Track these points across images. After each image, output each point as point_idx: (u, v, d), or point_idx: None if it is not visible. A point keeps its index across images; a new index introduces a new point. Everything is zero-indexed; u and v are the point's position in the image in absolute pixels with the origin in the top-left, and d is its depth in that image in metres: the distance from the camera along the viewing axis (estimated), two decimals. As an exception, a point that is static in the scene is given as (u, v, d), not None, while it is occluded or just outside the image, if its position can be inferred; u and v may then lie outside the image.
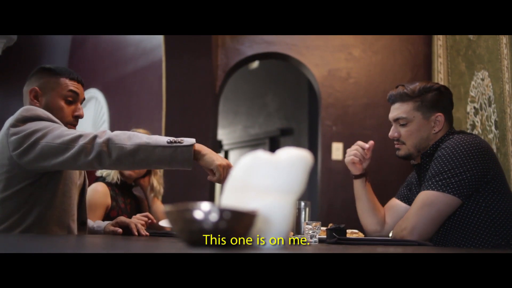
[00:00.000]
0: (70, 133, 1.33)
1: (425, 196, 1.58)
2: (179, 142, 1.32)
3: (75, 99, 1.58)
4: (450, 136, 1.68)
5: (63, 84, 1.55)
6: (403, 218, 1.63)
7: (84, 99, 1.63)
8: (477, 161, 1.56)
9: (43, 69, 1.58)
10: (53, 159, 1.32)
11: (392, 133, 1.77)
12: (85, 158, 1.29)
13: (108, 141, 1.30)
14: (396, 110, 1.75)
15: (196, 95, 3.59)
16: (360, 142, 1.88)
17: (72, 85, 1.57)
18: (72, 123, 1.56)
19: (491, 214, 1.57)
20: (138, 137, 1.32)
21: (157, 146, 1.30)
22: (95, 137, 1.30)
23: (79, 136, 1.31)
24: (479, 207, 1.57)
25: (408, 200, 1.90)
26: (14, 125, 1.38)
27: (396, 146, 1.79)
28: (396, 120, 1.75)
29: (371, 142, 1.86)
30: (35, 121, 1.39)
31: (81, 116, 1.59)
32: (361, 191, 1.90)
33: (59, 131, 1.34)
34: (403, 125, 1.73)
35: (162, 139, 1.32)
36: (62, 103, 1.54)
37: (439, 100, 1.72)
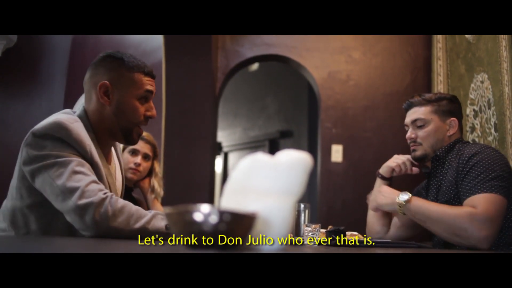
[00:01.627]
0: (72, 179, 1.20)
1: (492, 197, 1.55)
2: None
3: (149, 98, 1.43)
4: (466, 144, 1.76)
5: (139, 82, 1.40)
6: (479, 215, 1.53)
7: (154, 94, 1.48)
8: (507, 165, 1.65)
9: (114, 58, 1.41)
10: (49, 196, 1.23)
11: (410, 134, 1.84)
12: (76, 218, 1.18)
13: (105, 221, 1.17)
14: (415, 113, 1.84)
15: (196, 97, 3.60)
16: (410, 158, 1.90)
17: (148, 83, 1.42)
18: (142, 123, 1.43)
19: (505, 214, 1.60)
20: (136, 217, 1.21)
21: (156, 232, 1.21)
22: (90, 204, 1.17)
23: (76, 189, 1.18)
24: None
25: None
26: (36, 133, 1.26)
27: (412, 147, 1.86)
28: (414, 122, 1.83)
29: (417, 169, 1.92)
30: (55, 142, 1.25)
31: (153, 117, 1.45)
32: None
33: (66, 169, 1.21)
34: (420, 127, 1.82)
35: (160, 224, 1.23)
36: (137, 103, 1.40)
37: (453, 107, 1.83)
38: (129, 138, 1.44)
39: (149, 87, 1.41)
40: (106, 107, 1.39)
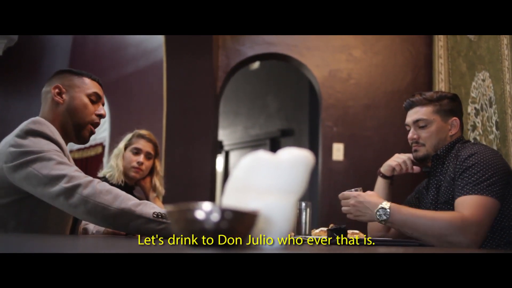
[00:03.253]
0: (57, 168, 1.29)
1: (482, 200, 1.55)
2: (165, 218, 1.26)
3: (98, 100, 1.57)
4: (466, 144, 1.75)
5: (88, 83, 1.56)
6: (464, 217, 1.53)
7: (104, 103, 1.62)
8: (505, 167, 1.64)
9: (64, 70, 1.58)
10: (35, 187, 1.29)
11: (412, 135, 1.82)
12: (64, 201, 1.26)
13: (92, 197, 1.25)
14: (416, 114, 1.81)
15: (197, 95, 3.59)
16: (411, 156, 1.88)
17: (96, 87, 1.57)
18: (94, 121, 1.55)
19: (507, 213, 1.60)
20: (124, 199, 1.27)
21: (141, 217, 1.25)
22: (78, 185, 1.26)
23: (63, 176, 1.27)
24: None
25: (416, 207, 1.91)
26: (18, 135, 1.35)
27: (414, 148, 1.84)
28: (416, 122, 1.80)
29: (418, 168, 1.90)
30: (37, 137, 1.36)
31: (103, 116, 1.57)
32: (383, 189, 1.94)
33: (50, 161, 1.30)
34: (422, 127, 1.79)
35: (148, 210, 1.27)
36: (87, 100, 1.53)
37: (454, 107, 1.81)
38: (80, 135, 1.55)
39: (96, 90, 1.57)
40: (60, 106, 1.51)
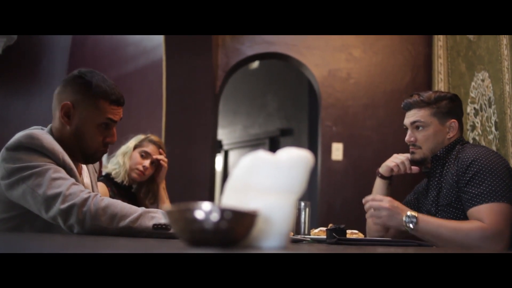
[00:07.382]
0: (52, 186, 1.24)
1: (497, 207, 1.55)
2: (165, 228, 1.23)
3: (111, 125, 1.43)
4: (465, 146, 1.74)
5: (102, 109, 1.39)
6: (485, 226, 1.54)
7: (121, 118, 1.45)
8: (507, 168, 1.64)
9: (82, 80, 1.40)
10: (32, 206, 1.27)
11: (409, 137, 1.81)
12: (61, 222, 1.23)
13: (88, 219, 1.21)
14: (413, 116, 1.79)
15: (196, 94, 3.59)
16: (410, 157, 1.86)
17: (111, 111, 1.40)
18: (100, 149, 1.44)
19: None
20: (120, 217, 1.23)
21: (141, 232, 1.23)
22: (73, 206, 1.21)
23: (58, 195, 1.22)
24: None
25: (415, 208, 1.91)
26: (9, 147, 1.30)
27: (411, 150, 1.83)
28: (413, 124, 1.79)
29: (416, 168, 1.87)
30: (29, 151, 1.29)
31: (112, 143, 1.45)
32: (381, 190, 1.93)
33: (44, 177, 1.25)
34: (419, 130, 1.78)
35: (147, 223, 1.23)
36: (95, 130, 1.40)
37: (453, 108, 1.78)
38: (89, 160, 1.47)
39: (111, 116, 1.40)
40: (67, 127, 1.40)
